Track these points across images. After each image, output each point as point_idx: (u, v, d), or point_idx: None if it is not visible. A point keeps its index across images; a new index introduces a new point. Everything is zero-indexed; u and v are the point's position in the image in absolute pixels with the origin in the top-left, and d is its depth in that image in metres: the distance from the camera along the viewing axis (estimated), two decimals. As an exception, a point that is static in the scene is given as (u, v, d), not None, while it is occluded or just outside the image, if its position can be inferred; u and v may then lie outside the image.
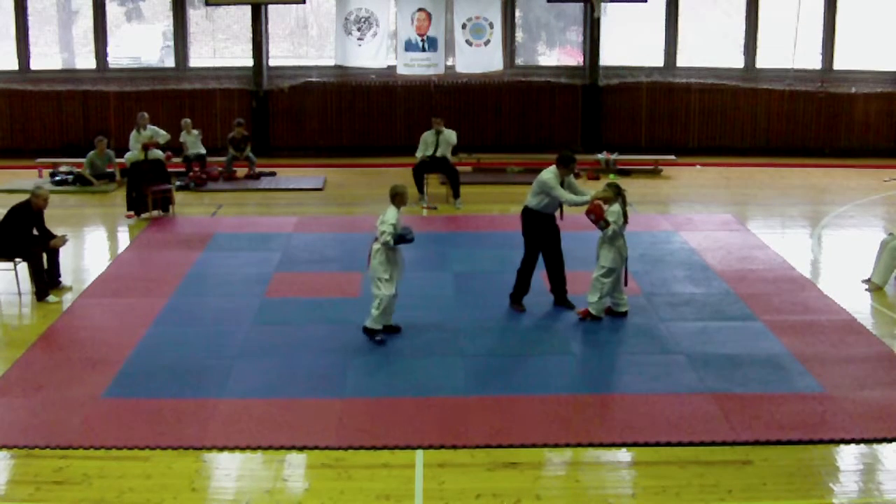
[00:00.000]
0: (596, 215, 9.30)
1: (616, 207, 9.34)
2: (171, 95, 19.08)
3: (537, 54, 20.65)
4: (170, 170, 14.77)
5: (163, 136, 16.24)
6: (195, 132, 17.19)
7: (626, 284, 9.64)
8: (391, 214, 8.74)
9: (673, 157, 18.45)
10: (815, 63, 19.49)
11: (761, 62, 19.62)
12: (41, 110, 19.14)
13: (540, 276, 10.86)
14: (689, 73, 19.56)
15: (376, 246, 8.79)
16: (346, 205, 15.41)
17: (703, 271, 11.29)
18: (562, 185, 9.62)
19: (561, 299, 10.00)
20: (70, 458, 6.75)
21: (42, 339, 9.11)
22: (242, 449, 6.91)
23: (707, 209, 14.86)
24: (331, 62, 19.41)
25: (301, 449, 6.92)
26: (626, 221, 9.42)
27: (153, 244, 12.67)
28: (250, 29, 19.07)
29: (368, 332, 8.97)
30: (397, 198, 8.90)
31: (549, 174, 9.62)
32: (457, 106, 19.23)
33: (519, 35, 20.14)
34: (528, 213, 9.87)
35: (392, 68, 19.04)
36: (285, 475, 6.60)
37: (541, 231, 9.85)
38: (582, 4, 19.22)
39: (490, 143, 18.86)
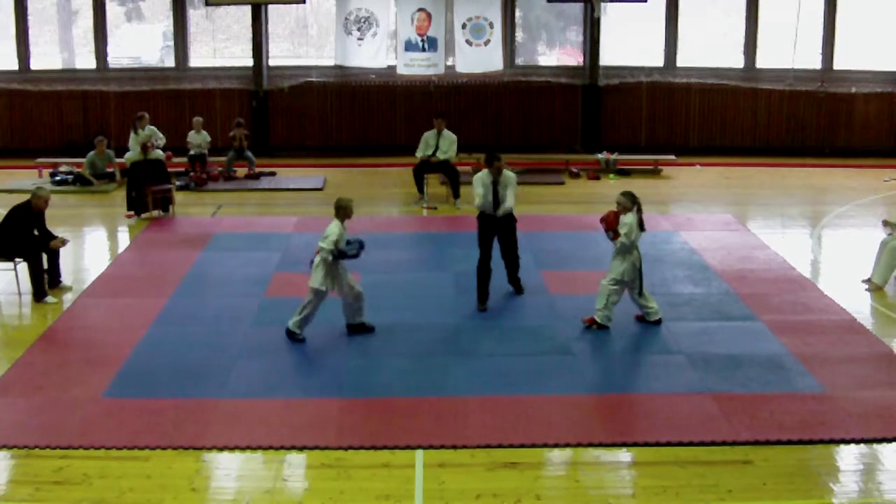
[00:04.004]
0: (608, 224, 9.15)
1: (630, 218, 9.07)
2: (171, 95, 19.07)
3: (537, 54, 20.65)
4: (170, 170, 14.77)
5: (160, 138, 16.26)
6: (204, 132, 17.21)
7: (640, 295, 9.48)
8: (333, 229, 8.76)
9: (673, 157, 18.43)
10: (815, 63, 19.46)
11: (761, 62, 19.60)
12: (41, 110, 19.13)
13: (540, 275, 10.90)
14: (689, 73, 19.55)
15: (317, 260, 8.83)
16: (346, 205, 15.37)
17: (703, 271, 11.29)
18: (495, 184, 9.90)
19: (511, 279, 10.50)
20: (70, 458, 6.76)
21: (42, 339, 9.11)
22: (242, 449, 6.91)
23: (707, 209, 14.86)
24: (331, 62, 19.40)
25: (301, 449, 6.92)
26: (642, 230, 9.18)
27: (153, 244, 12.66)
28: (250, 29, 19.06)
29: (289, 333, 9.01)
30: (340, 211, 8.89)
31: (477, 175, 10.08)
32: (457, 106, 19.21)
33: (519, 35, 20.14)
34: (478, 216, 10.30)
35: (392, 68, 19.03)
36: (285, 475, 6.60)
37: (484, 230, 10.14)
38: (582, 4, 19.20)
39: (490, 143, 18.82)
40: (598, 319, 9.28)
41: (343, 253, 8.77)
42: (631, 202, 9.12)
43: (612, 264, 9.27)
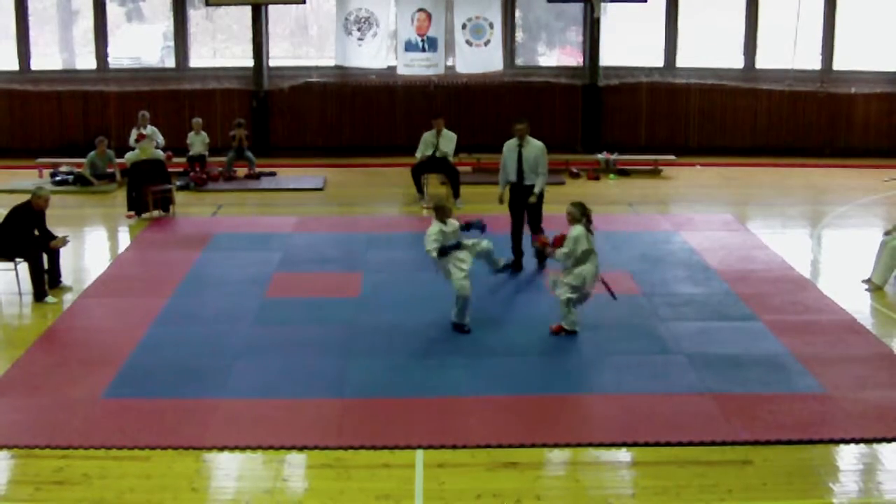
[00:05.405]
0: (540, 243, 9.27)
1: (577, 231, 8.85)
2: (172, 96, 19.08)
3: (537, 54, 20.65)
4: (170, 170, 14.77)
5: (160, 139, 16.33)
6: (203, 133, 17.25)
7: (614, 298, 9.25)
8: (430, 230, 9.16)
9: (673, 157, 18.43)
10: (815, 63, 19.47)
11: (761, 62, 19.61)
12: (41, 110, 19.13)
13: (540, 275, 10.91)
14: (689, 73, 19.55)
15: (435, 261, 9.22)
16: (346, 205, 15.41)
17: (704, 271, 11.28)
18: (520, 148, 10.63)
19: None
20: (70, 459, 6.76)
21: (42, 340, 9.11)
22: (242, 449, 6.91)
23: (707, 209, 14.86)
24: (331, 62, 19.40)
25: (301, 449, 6.92)
26: (590, 232, 8.90)
27: (153, 244, 12.67)
28: (250, 29, 19.07)
29: (457, 326, 9.26)
30: (438, 211, 9.27)
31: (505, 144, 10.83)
32: (457, 106, 19.21)
33: (519, 35, 20.14)
34: None
35: (392, 68, 19.03)
36: (285, 475, 6.60)
37: (513, 198, 10.94)
38: (582, 4, 19.21)
39: (490, 143, 18.83)
40: (566, 326, 9.11)
41: (446, 249, 9.06)
42: (580, 213, 8.94)
43: (563, 278, 9.01)
